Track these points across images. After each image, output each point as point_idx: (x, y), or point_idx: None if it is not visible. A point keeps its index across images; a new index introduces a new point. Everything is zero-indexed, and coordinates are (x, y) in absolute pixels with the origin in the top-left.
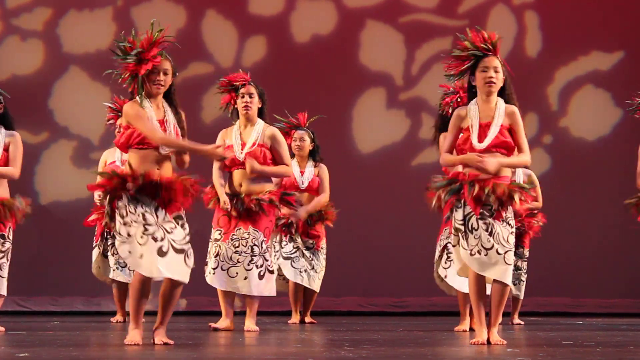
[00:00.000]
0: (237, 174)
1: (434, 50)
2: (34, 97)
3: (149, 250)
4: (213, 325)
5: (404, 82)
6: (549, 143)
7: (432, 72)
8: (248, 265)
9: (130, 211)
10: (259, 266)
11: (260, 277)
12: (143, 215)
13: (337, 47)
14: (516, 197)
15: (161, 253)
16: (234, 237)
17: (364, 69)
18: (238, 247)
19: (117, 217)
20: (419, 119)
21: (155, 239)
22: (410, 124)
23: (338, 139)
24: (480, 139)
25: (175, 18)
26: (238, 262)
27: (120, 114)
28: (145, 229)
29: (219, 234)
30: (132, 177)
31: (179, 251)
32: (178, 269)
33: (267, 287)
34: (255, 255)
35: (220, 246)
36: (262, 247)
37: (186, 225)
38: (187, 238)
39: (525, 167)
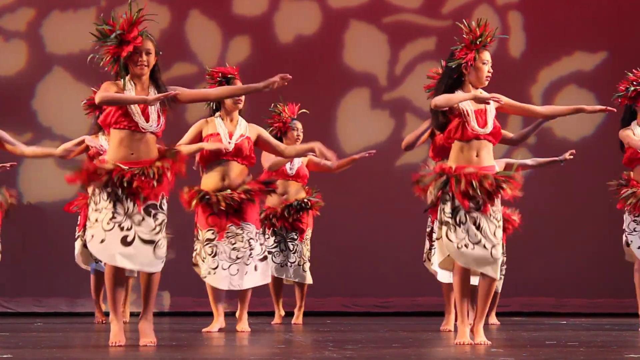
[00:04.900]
0: (220, 165)
1: (417, 51)
2: (17, 98)
3: (113, 236)
4: (207, 330)
5: (388, 82)
6: (532, 143)
7: (416, 72)
8: (248, 260)
9: (102, 198)
10: (256, 259)
11: (260, 264)
12: (114, 203)
13: (321, 48)
14: (505, 186)
15: (125, 242)
16: (229, 234)
17: (348, 69)
18: (235, 243)
19: (91, 204)
20: (403, 119)
21: (121, 228)
22: (394, 124)
23: (322, 139)
24: (480, 125)
25: (159, 18)
26: (238, 258)
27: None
28: (113, 216)
29: (212, 233)
30: (97, 174)
31: (146, 242)
32: (143, 259)
33: (265, 275)
34: (253, 249)
35: (217, 246)
36: (257, 238)
37: (159, 215)
38: (159, 228)
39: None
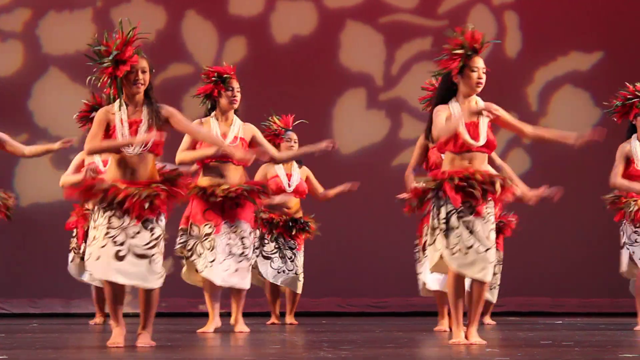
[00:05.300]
0: (217, 166)
1: (414, 51)
2: (14, 98)
3: (107, 253)
4: (202, 330)
5: (384, 82)
6: (528, 143)
7: (412, 72)
8: (239, 257)
9: (100, 214)
10: (249, 259)
11: (248, 270)
12: (109, 218)
13: (317, 48)
14: (497, 183)
15: (118, 257)
16: (224, 230)
17: (344, 69)
18: (230, 239)
19: (91, 222)
20: (399, 119)
21: (114, 242)
22: (390, 124)
23: (318, 139)
24: (473, 137)
25: (155, 19)
26: (231, 253)
27: (94, 111)
28: (107, 232)
29: (210, 227)
30: (94, 192)
31: (140, 256)
32: (138, 274)
33: (249, 279)
34: (246, 248)
35: (214, 239)
36: (250, 238)
37: (156, 230)
38: (153, 243)
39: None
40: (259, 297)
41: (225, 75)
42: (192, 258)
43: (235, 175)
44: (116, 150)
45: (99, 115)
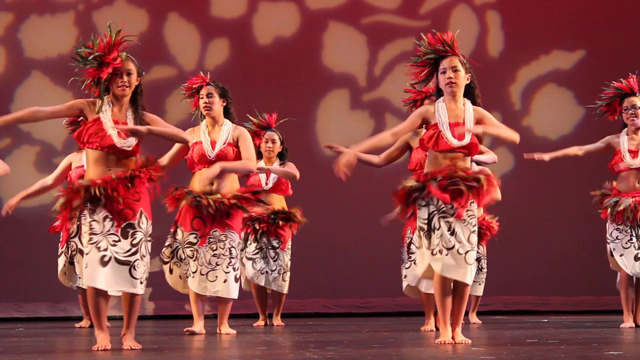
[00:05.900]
0: (206, 173)
1: (396, 51)
2: None
3: (92, 259)
4: (189, 329)
5: (367, 83)
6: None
7: (395, 73)
8: (227, 267)
9: (83, 223)
10: (236, 269)
11: (236, 279)
12: (90, 224)
13: (300, 49)
14: (481, 177)
15: (103, 263)
16: (211, 240)
17: (327, 70)
18: (216, 250)
19: (82, 228)
20: (383, 119)
21: (98, 248)
22: (374, 125)
23: (302, 141)
24: (457, 137)
25: (137, 21)
26: (217, 265)
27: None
28: (90, 239)
29: (195, 237)
30: (75, 192)
31: (122, 262)
32: (121, 280)
33: (236, 290)
34: (233, 258)
35: (197, 250)
36: (238, 249)
37: (137, 235)
38: (135, 249)
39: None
40: (246, 299)
41: (197, 87)
42: (173, 261)
43: (226, 181)
44: (100, 146)
45: (75, 101)
